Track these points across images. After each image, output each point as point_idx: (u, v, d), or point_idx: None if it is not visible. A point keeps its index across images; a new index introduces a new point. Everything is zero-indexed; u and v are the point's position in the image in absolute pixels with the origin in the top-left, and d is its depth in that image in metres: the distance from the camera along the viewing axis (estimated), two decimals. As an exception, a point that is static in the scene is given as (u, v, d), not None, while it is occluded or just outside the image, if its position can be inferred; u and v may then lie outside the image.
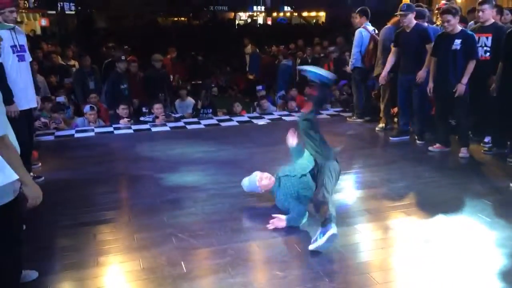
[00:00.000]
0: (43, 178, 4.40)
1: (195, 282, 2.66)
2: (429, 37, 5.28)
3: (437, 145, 5.21)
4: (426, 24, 5.62)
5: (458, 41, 4.75)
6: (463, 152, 4.96)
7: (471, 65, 4.77)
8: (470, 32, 4.88)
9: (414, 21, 5.39)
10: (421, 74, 5.29)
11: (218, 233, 3.24)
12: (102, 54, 10.15)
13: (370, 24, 6.45)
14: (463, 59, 4.78)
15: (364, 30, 6.38)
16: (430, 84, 5.11)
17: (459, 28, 4.84)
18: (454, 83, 4.82)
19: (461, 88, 4.79)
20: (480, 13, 5.03)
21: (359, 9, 6.62)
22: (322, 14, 29.35)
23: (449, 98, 4.91)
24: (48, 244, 3.15)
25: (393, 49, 5.65)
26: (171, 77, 9.12)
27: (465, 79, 4.79)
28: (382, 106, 6.24)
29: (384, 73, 5.73)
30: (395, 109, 6.26)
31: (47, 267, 2.83)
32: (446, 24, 4.82)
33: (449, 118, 5.26)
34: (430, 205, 3.75)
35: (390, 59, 5.67)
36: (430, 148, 5.24)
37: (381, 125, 6.27)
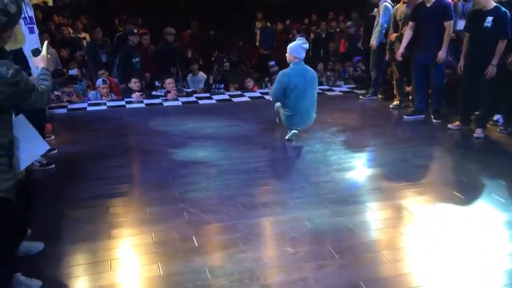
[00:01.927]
0: (56, 151, 4.43)
1: (206, 256, 2.69)
2: (450, 14, 5.09)
3: (457, 123, 5.10)
4: None
5: (490, 18, 4.52)
6: (478, 132, 4.87)
7: (501, 45, 4.54)
8: (504, 9, 4.56)
9: None
10: (441, 55, 5.12)
11: (229, 209, 3.26)
12: (114, 27, 10.07)
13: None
14: (493, 38, 4.55)
15: (389, 4, 6.19)
16: (461, 62, 4.94)
17: (492, 4, 4.57)
18: (483, 63, 4.63)
19: (492, 69, 4.59)
20: None
21: None
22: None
23: (477, 77, 4.72)
24: (61, 216, 3.20)
25: (410, 23, 5.46)
26: (189, 52, 9.03)
27: (495, 60, 4.57)
28: (394, 84, 6.13)
29: (401, 49, 5.56)
30: (410, 87, 6.15)
31: (60, 238, 2.88)
32: (474, 1, 4.64)
33: (474, 98, 5.04)
34: (443, 185, 3.71)
35: (407, 34, 5.50)
36: (449, 125, 5.14)
37: (396, 102, 6.17)
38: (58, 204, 3.40)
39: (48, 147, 2.75)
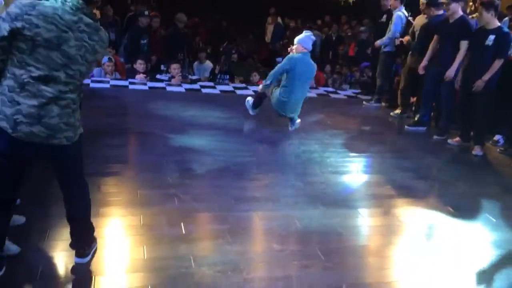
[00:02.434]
0: None
1: (192, 244, 2.67)
2: (467, 34, 4.97)
3: (457, 138, 5.10)
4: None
5: (492, 37, 4.57)
6: (476, 150, 4.85)
7: (497, 63, 4.61)
8: (507, 30, 4.67)
9: (460, 13, 5.08)
10: (448, 74, 5.07)
11: (221, 200, 3.24)
12: (126, 6, 10.00)
13: (404, 8, 6.22)
14: (492, 57, 4.61)
15: (402, 13, 6.15)
16: (459, 77, 4.93)
17: (496, 23, 4.63)
18: (478, 78, 4.67)
19: (478, 83, 4.64)
20: None
21: None
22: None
23: (472, 93, 4.76)
24: (50, 190, 3.16)
25: (435, 37, 5.37)
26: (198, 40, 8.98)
27: (486, 76, 4.62)
28: (399, 93, 6.11)
29: (424, 62, 5.43)
30: (414, 98, 6.13)
31: (47, 211, 2.85)
32: (478, 17, 4.64)
33: (470, 113, 5.07)
34: (437, 198, 3.70)
35: (432, 48, 5.40)
36: (449, 141, 5.14)
37: (397, 111, 6.15)
38: (48, 177, 3.36)
39: None
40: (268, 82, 5.05)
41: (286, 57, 5.00)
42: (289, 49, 5.19)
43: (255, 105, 5.27)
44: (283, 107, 4.94)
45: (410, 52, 5.87)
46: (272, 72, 5.03)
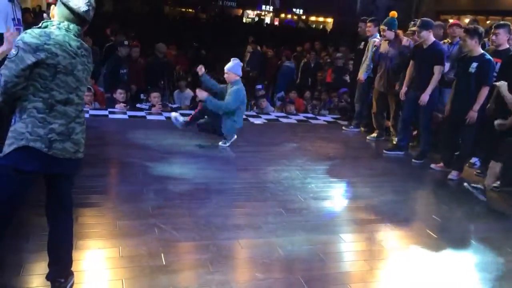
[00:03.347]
0: None
1: (173, 275, 2.62)
2: (441, 59, 5.15)
3: (441, 164, 5.13)
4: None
5: (474, 64, 4.62)
6: (453, 174, 4.89)
7: (484, 91, 4.62)
8: (489, 57, 4.64)
9: (432, 39, 5.25)
10: (423, 97, 5.18)
11: (202, 228, 3.20)
12: (105, 37, 10.04)
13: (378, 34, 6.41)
14: (476, 84, 4.64)
15: (378, 40, 6.33)
16: (448, 105, 4.99)
17: (479, 51, 4.67)
18: (464, 107, 4.71)
19: (472, 115, 4.65)
20: (494, 37, 4.86)
21: (372, 18, 6.55)
22: (330, 20, 29.34)
23: (458, 120, 4.80)
24: (26, 222, 3.08)
25: (411, 62, 5.53)
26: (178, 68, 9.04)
27: (476, 106, 4.64)
28: (373, 116, 6.23)
29: (404, 88, 5.54)
30: (389, 122, 6.25)
31: (22, 245, 2.77)
32: (462, 44, 4.77)
33: (455, 141, 5.09)
34: (418, 223, 3.74)
35: (409, 73, 5.53)
36: (432, 165, 5.18)
37: (374, 135, 6.26)
38: (23, 209, 3.27)
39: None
40: (227, 108, 5.23)
41: (237, 89, 5.25)
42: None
43: (187, 123, 5.43)
44: (233, 130, 5.36)
45: (377, 76, 6.03)
46: (231, 102, 5.20)
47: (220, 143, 5.33)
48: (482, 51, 4.70)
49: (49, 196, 2.34)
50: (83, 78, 2.23)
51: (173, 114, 5.54)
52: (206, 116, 5.35)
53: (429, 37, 5.23)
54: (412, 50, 5.54)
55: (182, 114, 6.79)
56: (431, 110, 5.32)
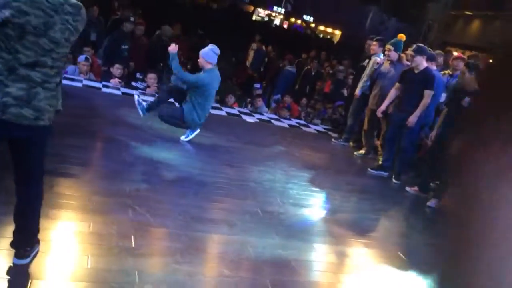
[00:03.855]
0: None
1: (141, 259, 2.59)
2: (432, 84, 5.24)
3: (416, 188, 5.20)
4: (434, 68, 5.62)
5: (467, 99, 4.68)
6: (432, 202, 4.94)
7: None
8: None
9: (425, 64, 5.33)
10: (411, 119, 5.26)
11: (177, 217, 3.17)
12: (111, 9, 9.92)
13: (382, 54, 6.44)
14: None
15: (380, 59, 6.36)
16: (434, 132, 5.09)
17: (474, 86, 4.71)
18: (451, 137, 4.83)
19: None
20: None
21: (379, 38, 6.58)
22: (338, 32, 29.45)
23: (444, 150, 4.83)
24: (3, 182, 3.02)
25: (397, 84, 5.63)
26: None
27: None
28: (363, 133, 6.27)
29: (383, 106, 5.67)
30: (379, 142, 6.29)
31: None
32: (460, 76, 4.85)
33: (435, 166, 5.17)
34: (389, 243, 3.75)
35: (392, 94, 5.65)
36: (407, 188, 5.24)
37: (362, 151, 6.30)
38: (1, 169, 3.22)
39: None
40: (177, 75, 4.94)
41: (201, 75, 4.87)
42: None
43: (149, 109, 5.03)
44: (198, 122, 4.92)
45: (372, 94, 6.06)
46: (186, 76, 4.89)
47: (181, 137, 4.98)
48: (477, 87, 4.77)
49: (14, 162, 2.20)
50: (61, 39, 2.02)
51: (136, 96, 5.12)
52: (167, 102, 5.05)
53: (422, 62, 5.32)
54: (401, 74, 5.61)
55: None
56: (414, 133, 5.39)
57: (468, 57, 6.36)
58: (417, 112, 5.26)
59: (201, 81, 4.83)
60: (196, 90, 4.84)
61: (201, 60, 4.89)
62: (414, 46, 5.48)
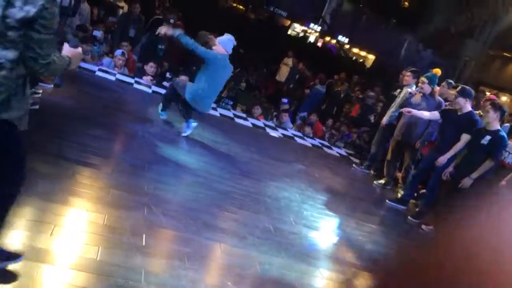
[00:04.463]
0: (37, 106, 4.02)
1: (148, 258, 2.60)
2: (470, 129, 5.07)
3: (431, 226, 5.07)
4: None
5: (488, 137, 4.67)
6: None
7: (487, 164, 4.66)
8: (503, 134, 4.74)
9: (469, 108, 5.19)
10: (441, 160, 5.14)
11: (189, 221, 3.18)
12: (153, 8, 10.15)
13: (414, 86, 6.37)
14: (484, 156, 4.69)
15: (412, 90, 6.30)
16: (449, 169, 4.98)
17: (496, 126, 4.74)
18: (467, 175, 4.74)
19: (466, 182, 4.70)
20: None
21: (413, 69, 6.52)
22: (371, 57, 29.34)
23: (457, 186, 4.79)
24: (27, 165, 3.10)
25: (436, 113, 5.45)
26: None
27: (475, 174, 4.68)
28: (385, 163, 6.19)
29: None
30: (400, 174, 6.19)
31: (16, 184, 2.78)
32: (483, 114, 4.78)
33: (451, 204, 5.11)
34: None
35: (425, 114, 5.48)
36: (423, 226, 5.11)
37: (382, 181, 6.20)
38: (27, 150, 3.29)
39: None
40: (187, 40, 4.81)
41: (213, 52, 4.87)
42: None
43: (164, 107, 5.13)
44: (198, 101, 4.87)
45: (399, 125, 5.98)
46: (198, 48, 4.80)
47: (181, 133, 4.98)
48: (499, 128, 4.76)
49: None
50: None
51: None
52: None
53: (466, 105, 5.20)
54: (442, 112, 5.48)
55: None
56: (441, 173, 5.30)
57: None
58: (448, 154, 5.13)
59: (212, 56, 4.78)
60: (207, 68, 4.82)
61: (218, 48, 4.90)
62: (460, 87, 5.38)
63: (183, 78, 6.95)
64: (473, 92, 5.49)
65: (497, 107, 4.71)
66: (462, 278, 0.81)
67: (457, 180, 4.83)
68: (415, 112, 5.55)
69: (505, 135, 4.78)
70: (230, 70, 5.05)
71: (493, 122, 4.72)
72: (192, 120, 4.97)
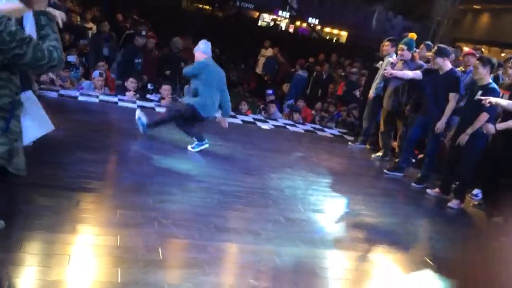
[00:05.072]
0: (31, 144, 4.05)
1: (168, 271, 2.61)
2: (458, 87, 5.13)
3: (437, 189, 5.10)
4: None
5: (480, 92, 4.61)
6: (454, 203, 4.85)
7: (482, 117, 4.60)
8: (494, 86, 4.65)
9: (449, 66, 5.22)
10: (439, 125, 5.14)
11: (201, 228, 3.18)
12: (122, 25, 10.06)
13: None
14: (479, 112, 4.62)
15: (393, 59, 6.33)
16: (451, 133, 5.01)
17: (487, 80, 4.67)
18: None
19: (462, 138, 4.70)
20: (511, 71, 4.90)
21: (391, 38, 6.54)
22: (344, 33, 29.42)
23: (461, 148, 4.79)
24: (29, 201, 3.08)
25: (418, 73, 5.45)
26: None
27: (469, 130, 4.66)
28: (379, 136, 6.23)
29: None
30: (395, 143, 6.24)
31: (22, 222, 2.76)
32: (473, 71, 4.78)
33: (456, 167, 5.05)
34: (414, 248, 3.72)
35: (407, 73, 5.49)
36: (428, 191, 5.16)
37: (379, 154, 6.24)
38: (26, 187, 3.26)
39: (52, 128, 2.71)
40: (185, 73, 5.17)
41: (200, 63, 5.01)
42: None
43: (152, 125, 5.06)
44: (213, 111, 5.06)
45: (386, 95, 6.02)
46: (187, 69, 5.14)
47: (189, 146, 4.94)
48: (490, 81, 4.71)
49: None
50: None
51: (138, 112, 5.12)
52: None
53: (445, 63, 5.22)
54: (425, 71, 5.46)
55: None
56: (440, 138, 5.32)
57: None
58: (444, 117, 5.13)
59: (196, 67, 4.97)
60: (199, 80, 4.93)
61: (197, 55, 5.05)
62: (435, 47, 5.41)
63: (166, 87, 6.94)
64: (450, 49, 5.52)
65: (485, 62, 4.63)
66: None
67: (456, 141, 4.81)
68: (395, 72, 5.57)
69: (496, 86, 4.67)
70: (219, 70, 5.11)
71: (485, 77, 4.65)
72: (206, 141, 4.97)
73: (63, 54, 2.02)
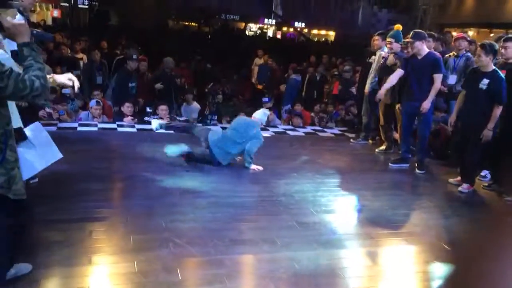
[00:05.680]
0: (36, 179, 3.90)
1: (189, 291, 2.59)
2: (440, 67, 5.22)
3: (458, 178, 5.03)
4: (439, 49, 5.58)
5: (486, 81, 4.58)
6: (464, 187, 4.85)
7: (496, 111, 4.56)
8: (501, 75, 4.59)
9: (426, 50, 5.30)
10: (425, 105, 5.19)
11: (216, 243, 3.17)
12: (112, 52, 10.13)
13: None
14: (486, 101, 4.61)
15: (384, 52, 6.36)
16: (453, 117, 5.00)
17: (491, 67, 4.63)
18: (473, 121, 4.71)
19: (487, 133, 4.62)
20: (503, 50, 4.85)
21: (380, 32, 6.58)
22: (331, 33, 29.57)
23: (468, 134, 4.78)
24: (40, 238, 3.07)
25: (399, 71, 5.52)
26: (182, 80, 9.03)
27: (491, 124, 4.59)
28: (380, 129, 6.23)
29: (383, 90, 5.62)
30: (397, 135, 6.23)
31: (38, 261, 2.74)
32: (476, 59, 4.78)
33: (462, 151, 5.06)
34: (429, 235, 3.69)
35: (392, 78, 5.55)
36: (450, 180, 5.10)
37: (382, 147, 6.24)
38: (36, 224, 3.26)
39: (60, 156, 2.76)
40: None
41: (259, 131, 5.09)
42: None
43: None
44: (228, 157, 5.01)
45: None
46: (255, 146, 4.99)
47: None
48: (494, 68, 4.67)
49: None
50: None
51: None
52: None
53: (423, 47, 5.28)
54: (404, 62, 5.52)
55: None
56: (429, 119, 5.34)
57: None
58: (430, 97, 5.20)
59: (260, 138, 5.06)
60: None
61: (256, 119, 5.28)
62: (412, 32, 5.45)
63: (162, 108, 6.95)
64: (425, 33, 5.55)
65: (487, 49, 4.56)
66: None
67: (467, 129, 4.79)
68: (382, 90, 5.65)
69: (502, 76, 4.59)
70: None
71: (488, 64, 4.61)
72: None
73: (48, 81, 2.05)
